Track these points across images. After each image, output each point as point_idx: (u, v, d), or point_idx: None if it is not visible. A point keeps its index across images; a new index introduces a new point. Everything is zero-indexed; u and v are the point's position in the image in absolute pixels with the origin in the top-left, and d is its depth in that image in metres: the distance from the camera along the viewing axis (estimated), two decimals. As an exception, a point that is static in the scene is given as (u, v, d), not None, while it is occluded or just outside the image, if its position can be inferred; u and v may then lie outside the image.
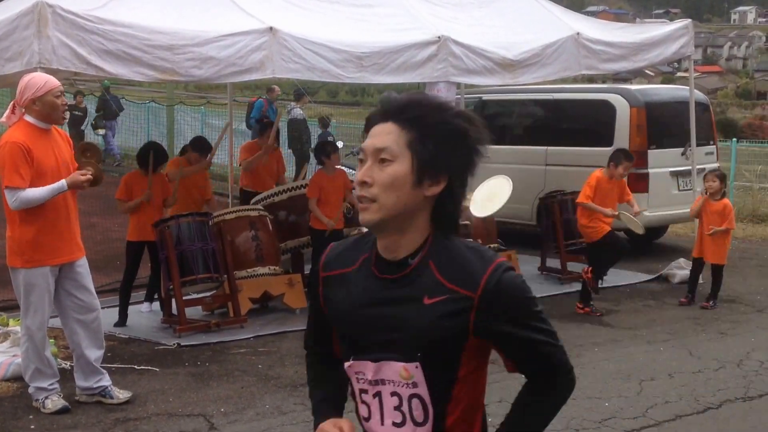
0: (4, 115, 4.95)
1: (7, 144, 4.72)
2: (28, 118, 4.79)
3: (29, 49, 5.60)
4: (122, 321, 6.84)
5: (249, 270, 7.22)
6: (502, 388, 5.51)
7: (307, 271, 7.84)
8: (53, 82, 4.82)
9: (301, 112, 15.35)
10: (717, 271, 7.79)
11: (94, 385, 5.12)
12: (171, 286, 6.69)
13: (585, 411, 5.09)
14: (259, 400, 5.27)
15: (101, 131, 18.02)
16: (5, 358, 5.64)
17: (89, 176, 4.83)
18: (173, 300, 6.74)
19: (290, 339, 6.64)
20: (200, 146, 7.78)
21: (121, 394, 5.15)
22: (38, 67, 5.56)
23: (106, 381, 5.15)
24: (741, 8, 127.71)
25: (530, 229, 10.22)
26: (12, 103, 4.87)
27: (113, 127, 18.63)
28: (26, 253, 4.79)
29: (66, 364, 5.59)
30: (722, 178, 7.93)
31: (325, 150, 7.74)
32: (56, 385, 5.06)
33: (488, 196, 6.15)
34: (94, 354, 5.09)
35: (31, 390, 5.04)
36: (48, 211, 4.80)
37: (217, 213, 7.40)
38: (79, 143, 5.07)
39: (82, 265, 5.02)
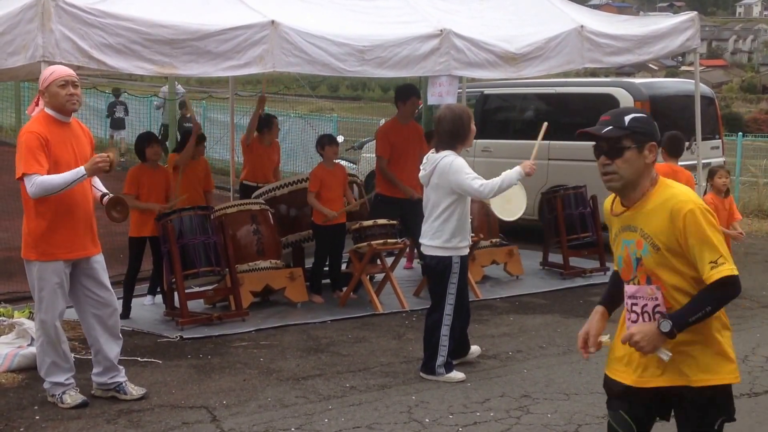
0: (30, 107, 5.05)
1: (25, 134, 4.81)
2: (47, 110, 4.88)
3: (33, 42, 5.61)
4: (126, 314, 6.85)
5: (250, 264, 7.24)
6: (505, 383, 5.55)
7: (308, 265, 7.86)
8: (60, 72, 4.87)
9: None
10: None
11: (109, 381, 5.12)
12: (173, 280, 6.71)
13: (587, 406, 5.10)
14: (261, 393, 5.28)
15: None
16: (10, 350, 5.66)
17: (108, 160, 4.78)
18: (175, 293, 6.77)
19: (291, 332, 6.66)
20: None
21: (135, 391, 5.14)
22: (41, 61, 5.57)
23: (121, 377, 5.15)
24: (746, 1, 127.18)
25: (532, 224, 10.21)
26: (37, 95, 4.98)
27: None
28: (40, 246, 4.81)
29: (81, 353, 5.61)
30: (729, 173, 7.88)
31: (321, 142, 7.73)
32: (72, 380, 5.04)
33: (505, 198, 6.06)
34: (113, 351, 5.10)
35: (46, 385, 5.02)
36: (63, 204, 4.81)
37: (218, 207, 7.42)
38: (111, 197, 5.11)
39: (98, 261, 5.03)
